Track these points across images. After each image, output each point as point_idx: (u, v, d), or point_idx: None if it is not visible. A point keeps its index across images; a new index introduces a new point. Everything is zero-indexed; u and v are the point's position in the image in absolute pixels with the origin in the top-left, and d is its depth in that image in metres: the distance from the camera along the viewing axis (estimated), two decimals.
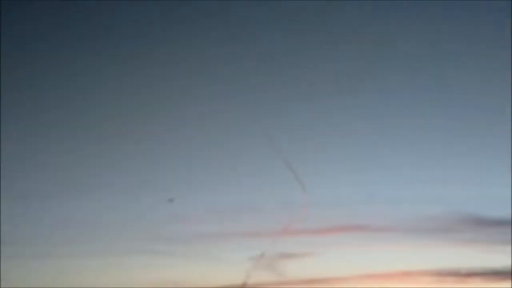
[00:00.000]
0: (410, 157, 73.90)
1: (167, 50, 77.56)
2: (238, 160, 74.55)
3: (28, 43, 73.95)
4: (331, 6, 72.27)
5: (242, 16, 71.08)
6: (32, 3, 69.73)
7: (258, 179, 71.95)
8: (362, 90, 78.62)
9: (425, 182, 68.70)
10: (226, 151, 75.94)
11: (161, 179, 71.78)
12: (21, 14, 70.77)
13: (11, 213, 54.75)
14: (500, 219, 58.90)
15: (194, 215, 66.75)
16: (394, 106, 74.82)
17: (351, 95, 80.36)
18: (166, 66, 76.57)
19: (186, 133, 77.09)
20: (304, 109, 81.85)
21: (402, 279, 55.08)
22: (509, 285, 53.84)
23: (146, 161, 75.57)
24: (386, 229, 59.17)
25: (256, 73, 78.13)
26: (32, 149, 61.57)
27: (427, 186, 66.20)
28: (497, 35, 69.75)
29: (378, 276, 55.02)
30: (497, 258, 59.54)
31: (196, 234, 63.04)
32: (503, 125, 72.17)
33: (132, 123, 78.14)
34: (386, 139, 75.43)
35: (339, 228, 57.72)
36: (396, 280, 55.21)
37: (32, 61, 78.02)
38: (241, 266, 57.95)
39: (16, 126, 59.83)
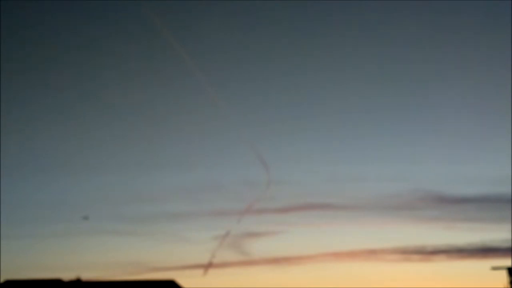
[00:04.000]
0: (373, 136, 72.78)
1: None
2: (201, 140, 72.41)
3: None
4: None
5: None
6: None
7: (222, 159, 70.13)
8: (325, 72, 76.46)
9: (388, 160, 67.78)
10: (190, 132, 73.61)
11: (125, 158, 69.69)
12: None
13: None
14: (463, 197, 58.46)
15: (158, 195, 65.06)
16: (358, 86, 73.40)
17: (313, 76, 77.94)
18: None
19: (149, 112, 74.38)
20: (267, 91, 79.10)
21: (367, 257, 54.51)
22: (474, 262, 52.83)
23: (109, 141, 73.02)
24: (350, 207, 58.47)
25: (224, 55, 75.18)
26: None
27: (390, 164, 65.35)
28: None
29: (343, 255, 54.44)
30: (461, 236, 58.95)
31: (160, 214, 61.75)
32: (467, 106, 70.96)
33: (94, 103, 74.85)
34: (349, 119, 74.13)
35: (303, 206, 56.95)
36: (362, 258, 54.64)
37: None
38: (206, 245, 57.06)
39: None
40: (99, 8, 75.06)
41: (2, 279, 44.52)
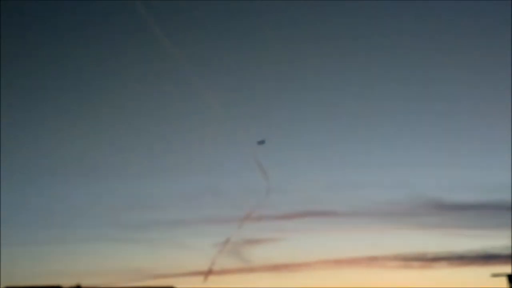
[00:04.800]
0: (373, 143, 72.73)
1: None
2: (201, 147, 72.38)
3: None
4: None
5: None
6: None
7: (222, 166, 70.11)
8: (324, 78, 76.61)
9: (388, 167, 67.69)
10: (190, 138, 73.66)
11: (124, 165, 69.63)
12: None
13: None
14: (463, 203, 58.33)
15: (157, 202, 64.94)
16: (357, 92, 73.47)
17: (312, 83, 77.89)
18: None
19: (149, 119, 74.41)
20: (267, 97, 79.07)
21: (368, 264, 54.34)
22: (474, 269, 52.64)
23: (109, 147, 73.00)
24: (350, 214, 58.34)
25: (224, 60, 75.36)
26: None
27: (390, 171, 65.29)
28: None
29: (344, 261, 54.28)
30: (462, 242, 58.72)
31: (160, 221, 61.66)
32: (467, 113, 70.99)
33: (94, 108, 75.01)
34: (349, 126, 74.19)
35: (303, 213, 56.83)
36: (362, 265, 54.48)
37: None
38: (206, 252, 56.96)
39: None
40: (100, 12, 75.24)
41: (2, 286, 44.49)
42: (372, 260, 55.44)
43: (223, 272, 54.21)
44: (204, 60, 75.52)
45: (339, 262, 56.03)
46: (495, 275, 43.69)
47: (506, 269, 45.35)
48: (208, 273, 51.28)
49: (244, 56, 77.44)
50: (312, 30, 75.54)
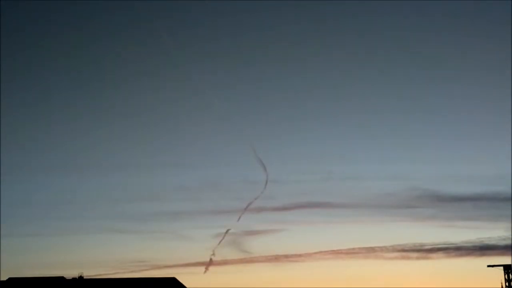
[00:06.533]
0: (371, 136, 73.22)
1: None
2: (202, 140, 72.90)
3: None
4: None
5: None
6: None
7: (222, 158, 70.57)
8: (324, 74, 77.05)
9: (386, 159, 68.25)
10: (190, 132, 74.10)
11: (126, 158, 70.07)
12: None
13: None
14: (460, 195, 58.91)
15: (159, 194, 65.42)
16: (356, 88, 74.13)
17: (312, 78, 78.28)
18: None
19: (150, 113, 74.89)
20: (267, 91, 79.56)
21: (366, 255, 54.99)
22: (471, 260, 53.13)
23: (111, 140, 73.58)
24: (349, 206, 58.87)
25: (224, 57, 75.94)
26: None
27: (388, 163, 65.83)
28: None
29: (342, 252, 54.98)
30: (459, 234, 59.27)
31: (161, 213, 62.18)
32: (463, 106, 71.64)
33: (96, 104, 75.46)
34: (347, 119, 74.67)
35: (302, 205, 57.37)
36: (360, 256, 55.12)
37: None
38: (206, 243, 57.45)
39: None
40: (102, 12, 75.62)
41: (5, 277, 45.06)
42: (370, 251, 56.18)
43: (224, 262, 54.97)
44: (205, 57, 76.04)
45: (337, 253, 56.80)
46: (492, 266, 44.30)
47: (502, 260, 45.94)
48: (208, 263, 52.02)
49: (244, 53, 78.00)
50: (315, 28, 76.02)
